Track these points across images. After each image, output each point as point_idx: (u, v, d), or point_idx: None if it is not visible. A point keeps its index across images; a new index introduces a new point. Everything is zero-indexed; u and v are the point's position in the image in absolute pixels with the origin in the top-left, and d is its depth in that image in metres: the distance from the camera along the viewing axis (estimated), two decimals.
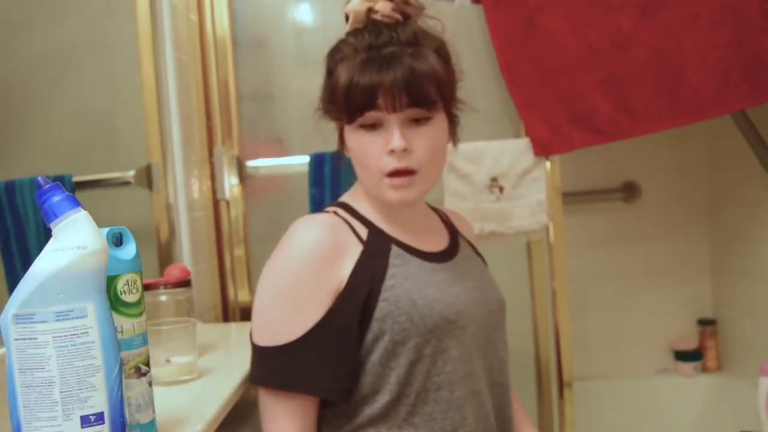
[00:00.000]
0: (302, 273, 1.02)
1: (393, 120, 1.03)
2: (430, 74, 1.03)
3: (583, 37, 1.68)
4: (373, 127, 1.04)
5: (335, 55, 1.10)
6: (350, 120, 1.05)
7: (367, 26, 1.08)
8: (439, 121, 1.07)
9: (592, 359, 2.27)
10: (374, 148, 1.04)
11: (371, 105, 1.02)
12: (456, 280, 1.10)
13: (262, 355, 1.05)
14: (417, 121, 1.04)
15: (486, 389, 1.10)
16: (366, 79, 1.01)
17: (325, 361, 1.01)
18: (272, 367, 1.03)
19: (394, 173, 1.04)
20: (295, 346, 1.01)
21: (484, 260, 1.27)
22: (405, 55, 1.02)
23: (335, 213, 1.10)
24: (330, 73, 1.10)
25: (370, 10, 1.07)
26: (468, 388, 1.07)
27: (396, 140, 1.02)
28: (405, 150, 1.02)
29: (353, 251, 1.05)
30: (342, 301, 1.02)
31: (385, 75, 1.01)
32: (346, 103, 1.04)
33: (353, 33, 1.09)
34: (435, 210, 1.26)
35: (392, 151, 1.02)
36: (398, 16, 1.08)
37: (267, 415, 1.04)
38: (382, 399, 1.03)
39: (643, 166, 2.28)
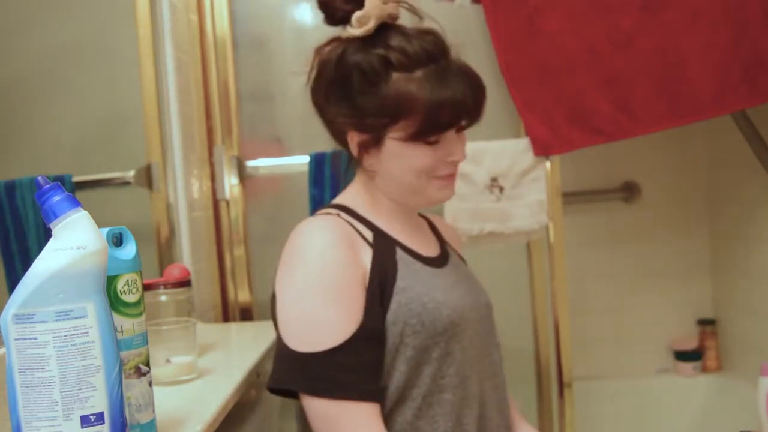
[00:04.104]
0: (336, 268, 0.99)
1: (452, 133, 1.06)
2: (483, 87, 1.07)
3: (583, 37, 1.68)
4: (432, 141, 1.04)
5: (371, 59, 1.02)
6: (424, 136, 1.02)
7: (387, 30, 1.04)
8: None
9: (592, 359, 2.27)
10: (434, 161, 1.05)
11: (456, 122, 1.04)
12: (453, 285, 1.11)
13: (314, 362, 0.97)
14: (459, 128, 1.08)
15: (484, 392, 1.11)
16: (454, 97, 1.01)
17: (369, 361, 0.99)
18: (327, 375, 0.96)
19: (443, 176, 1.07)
20: (346, 347, 0.96)
21: (465, 263, 1.27)
22: (463, 71, 1.04)
23: (338, 215, 1.09)
24: (368, 80, 1.02)
25: (388, 15, 1.05)
26: (468, 391, 1.07)
27: (462, 153, 1.07)
28: None
29: (364, 250, 1.05)
30: (369, 299, 1.01)
31: (467, 91, 1.02)
32: (429, 119, 1.01)
33: (380, 39, 1.03)
34: (423, 217, 1.26)
35: (454, 162, 1.06)
36: (398, 16, 1.08)
37: (341, 426, 0.96)
38: (387, 402, 1.03)
39: (643, 166, 2.28)
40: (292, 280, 1.01)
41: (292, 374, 0.99)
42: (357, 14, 1.02)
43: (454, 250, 1.25)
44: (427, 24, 1.10)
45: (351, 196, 1.13)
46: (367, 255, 1.04)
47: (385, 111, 1.02)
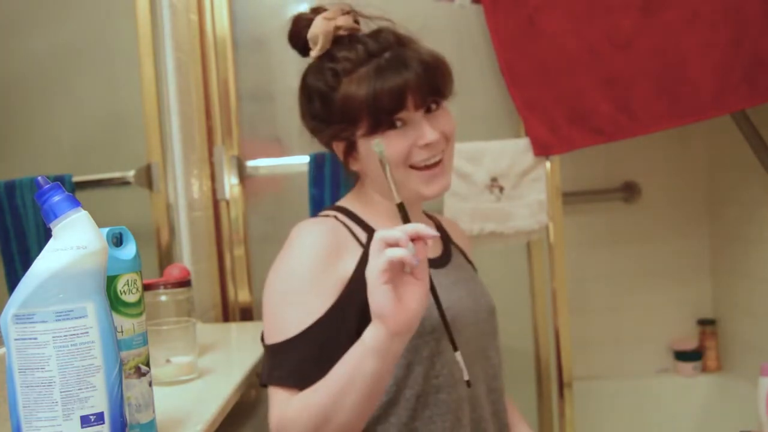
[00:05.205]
0: (305, 272, 1.03)
1: (418, 115, 1.06)
2: (440, 63, 1.08)
3: (583, 37, 1.68)
4: (393, 126, 1.05)
5: (325, 76, 1.09)
6: (377, 127, 1.04)
7: (339, 43, 1.10)
8: (446, 107, 1.11)
9: (592, 359, 2.27)
10: (404, 147, 1.05)
11: (401, 106, 1.04)
12: (450, 287, 1.11)
13: (270, 353, 1.04)
14: (429, 110, 1.07)
15: (482, 394, 1.11)
16: (391, 83, 1.03)
17: (322, 357, 1.01)
18: (277, 364, 1.01)
19: (423, 167, 1.07)
20: (299, 339, 1.00)
21: (474, 268, 1.28)
22: (409, 54, 1.06)
23: (335, 217, 1.11)
24: (323, 94, 1.09)
25: (335, 28, 1.10)
26: (464, 392, 1.08)
27: (430, 133, 1.05)
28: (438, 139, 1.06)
29: (353, 253, 1.06)
30: (344, 300, 1.02)
31: (406, 74, 1.03)
32: (372, 111, 1.03)
33: (329, 54, 1.10)
34: (430, 217, 1.28)
35: (427, 145, 1.05)
36: (358, 27, 1.12)
37: (272, 409, 1.01)
38: (380, 401, 1.03)
39: (643, 166, 2.28)
40: (270, 279, 1.07)
41: (263, 366, 1.05)
42: (308, 37, 1.11)
43: (461, 253, 1.26)
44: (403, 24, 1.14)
45: (350, 198, 1.17)
46: (354, 258, 1.06)
47: (341, 116, 1.07)
